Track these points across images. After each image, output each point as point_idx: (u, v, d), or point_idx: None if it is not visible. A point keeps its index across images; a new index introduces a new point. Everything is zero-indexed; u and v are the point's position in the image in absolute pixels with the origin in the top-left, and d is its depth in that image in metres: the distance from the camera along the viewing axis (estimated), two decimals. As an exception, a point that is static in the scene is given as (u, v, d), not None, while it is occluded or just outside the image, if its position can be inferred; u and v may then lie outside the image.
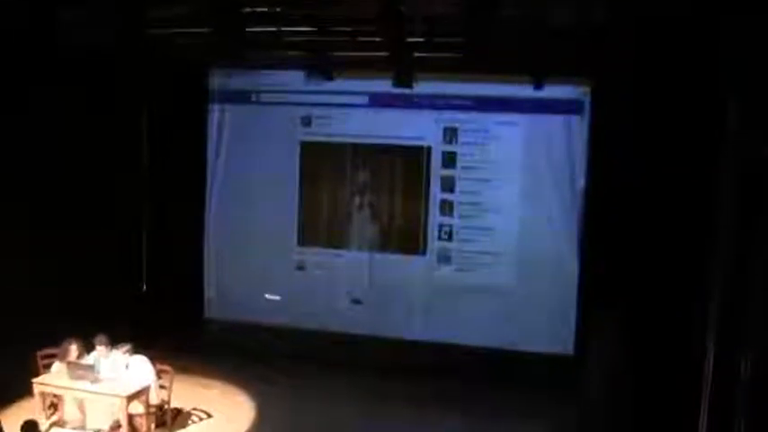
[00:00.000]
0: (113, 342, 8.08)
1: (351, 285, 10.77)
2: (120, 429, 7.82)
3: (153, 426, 8.10)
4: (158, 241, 10.98)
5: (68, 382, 7.87)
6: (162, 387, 8.18)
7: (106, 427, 7.94)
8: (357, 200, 10.85)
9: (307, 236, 10.99)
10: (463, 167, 10.50)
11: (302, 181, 10.91)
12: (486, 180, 10.44)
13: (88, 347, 8.11)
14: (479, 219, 10.47)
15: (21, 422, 6.61)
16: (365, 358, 10.18)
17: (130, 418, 7.89)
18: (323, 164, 10.87)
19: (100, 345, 8.02)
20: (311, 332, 10.64)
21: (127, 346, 8.06)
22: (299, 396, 9.28)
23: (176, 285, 10.86)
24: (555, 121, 10.12)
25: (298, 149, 10.88)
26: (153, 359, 8.11)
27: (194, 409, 8.70)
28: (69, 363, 7.93)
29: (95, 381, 7.83)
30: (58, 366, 8.10)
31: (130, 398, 7.79)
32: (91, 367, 7.93)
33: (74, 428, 8.05)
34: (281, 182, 10.90)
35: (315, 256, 10.96)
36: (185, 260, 11.03)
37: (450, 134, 10.54)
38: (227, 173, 11.13)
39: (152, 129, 10.84)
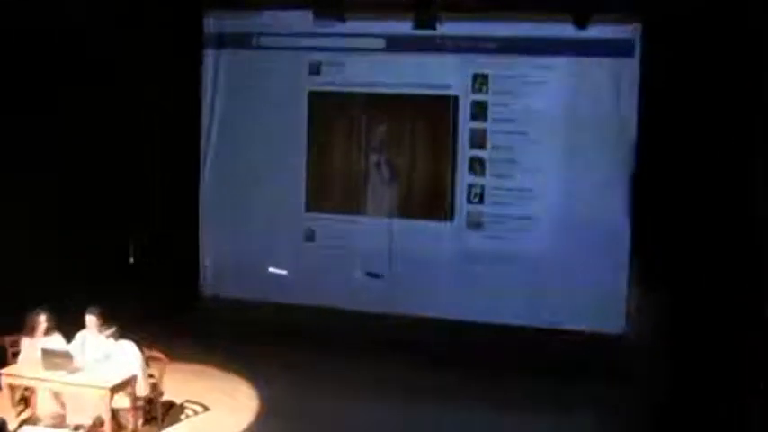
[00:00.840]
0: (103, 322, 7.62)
1: (367, 257, 10.36)
2: (104, 426, 7.30)
3: (141, 421, 7.62)
4: (147, 208, 10.56)
5: (43, 373, 7.35)
6: (151, 376, 7.74)
7: (87, 422, 7.45)
8: (374, 158, 10.40)
9: (316, 201, 10.56)
10: (495, 120, 10.00)
11: (310, 137, 10.47)
12: (522, 134, 9.94)
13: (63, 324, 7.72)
14: (514, 178, 9.98)
15: None
16: (383, 339, 9.74)
17: (115, 412, 7.41)
18: (334, 117, 10.43)
19: (91, 319, 7.55)
20: (322, 310, 10.22)
21: (112, 329, 7.59)
22: (309, 384, 8.80)
23: (168, 259, 10.48)
24: (601, 66, 9.61)
25: (305, 101, 10.43)
26: (141, 344, 7.68)
27: (189, 401, 8.26)
28: (44, 351, 7.42)
29: (74, 370, 7.34)
30: (26, 345, 7.64)
31: (115, 389, 7.28)
32: (68, 354, 7.43)
33: (49, 425, 7.56)
34: (286, 139, 10.48)
35: (325, 223, 10.54)
36: (177, 229, 10.63)
37: (480, 82, 10.04)
38: (224, 129, 10.69)
39: (143, 81, 10.39)
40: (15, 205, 8.74)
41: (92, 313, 7.64)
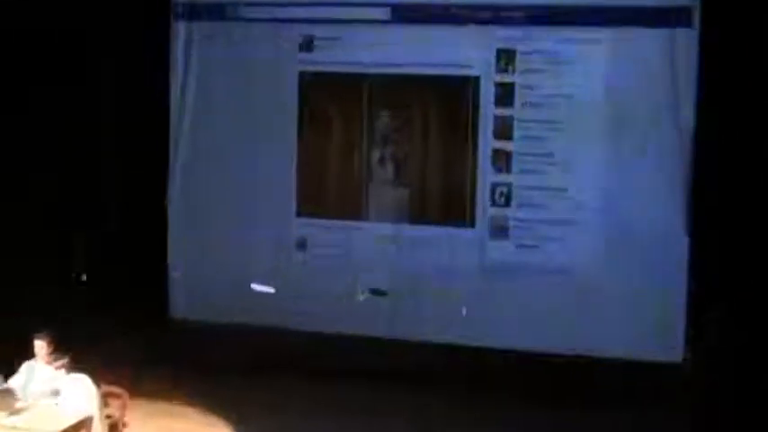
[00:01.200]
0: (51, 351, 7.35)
1: (370, 270, 10.05)
2: None
3: None
4: (104, 210, 10.40)
5: None
6: (109, 417, 7.43)
7: None
8: (378, 153, 10.10)
9: (308, 203, 10.25)
10: (524, 105, 9.69)
11: (301, 128, 10.18)
12: (557, 122, 9.60)
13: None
14: (548, 176, 9.67)
15: None
16: (389, 369, 9.48)
17: None
18: (329, 103, 10.13)
19: (40, 345, 7.29)
20: (315, 335, 9.91)
21: (63, 360, 7.35)
22: (297, 425, 8.59)
23: (128, 272, 10.21)
24: (652, 39, 9.26)
25: (295, 84, 10.13)
26: (97, 378, 7.37)
27: None
28: None
29: (17, 411, 7.00)
30: None
31: None
32: (9, 392, 7.10)
33: None
34: (273, 129, 10.18)
35: (320, 230, 10.22)
36: (141, 236, 10.35)
37: (506, 59, 9.71)
38: (197, 118, 10.39)
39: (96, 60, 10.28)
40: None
41: (40, 339, 7.38)
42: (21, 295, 8.99)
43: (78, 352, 7.57)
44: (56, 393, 7.28)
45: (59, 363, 7.32)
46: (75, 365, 7.42)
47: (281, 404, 8.92)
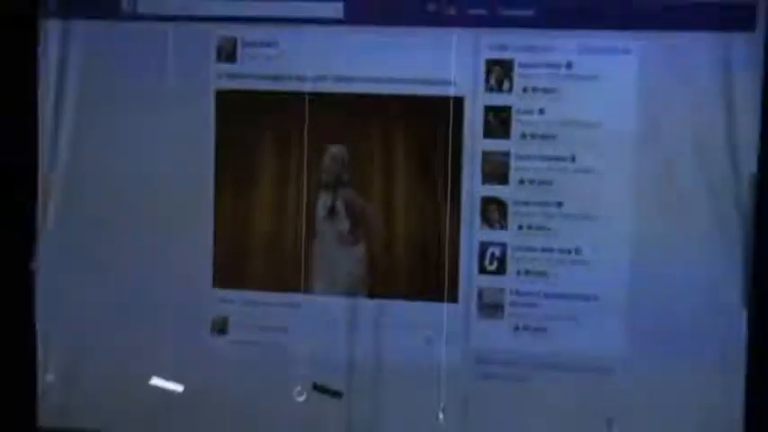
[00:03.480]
0: None
1: (316, 362, 8.47)
2: None
3: None
4: None
5: None
6: None
7: None
8: (325, 199, 8.48)
9: (230, 270, 8.61)
10: (525, 136, 8.13)
11: (219, 166, 8.53)
12: (570, 160, 8.11)
13: None
14: (557, 233, 8.13)
15: None
16: None
17: None
18: (258, 133, 8.52)
19: None
20: None
21: None
22: None
23: None
24: (701, 46, 7.84)
25: (210, 106, 8.51)
26: None
27: None
28: None
29: None
30: None
31: None
32: None
33: None
34: (180, 167, 8.59)
35: (246, 306, 8.58)
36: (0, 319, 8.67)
37: (500, 73, 8.13)
38: (75, 151, 8.74)
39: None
40: None
41: None
42: None
43: None
44: None
45: None
46: None
47: None
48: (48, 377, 8.99)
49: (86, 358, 8.88)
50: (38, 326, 8.95)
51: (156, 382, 8.69)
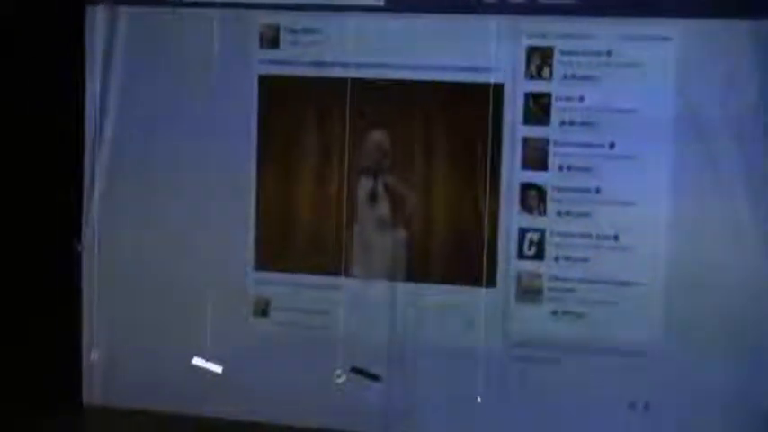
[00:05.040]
0: None
1: (355, 345, 8.76)
2: None
3: None
4: None
5: None
6: None
7: None
8: (366, 185, 8.75)
9: (272, 254, 8.91)
10: (564, 123, 8.35)
11: (262, 151, 8.84)
12: (608, 145, 8.31)
13: None
14: (595, 219, 8.32)
15: None
16: None
17: None
18: (301, 118, 8.80)
19: None
20: (283, 428, 8.82)
21: None
22: None
23: (28, 347, 9.13)
24: (738, 34, 7.98)
25: (253, 91, 8.82)
26: None
27: None
28: None
29: None
30: None
31: None
32: None
33: None
34: (223, 152, 8.88)
35: (287, 289, 8.89)
36: (46, 299, 9.15)
37: (540, 60, 8.37)
38: (121, 140, 9.11)
39: None
40: None
41: None
42: None
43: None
44: None
45: None
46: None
47: None
48: (92, 356, 9.29)
49: (129, 338, 9.19)
50: (82, 306, 9.27)
51: (198, 362, 8.94)
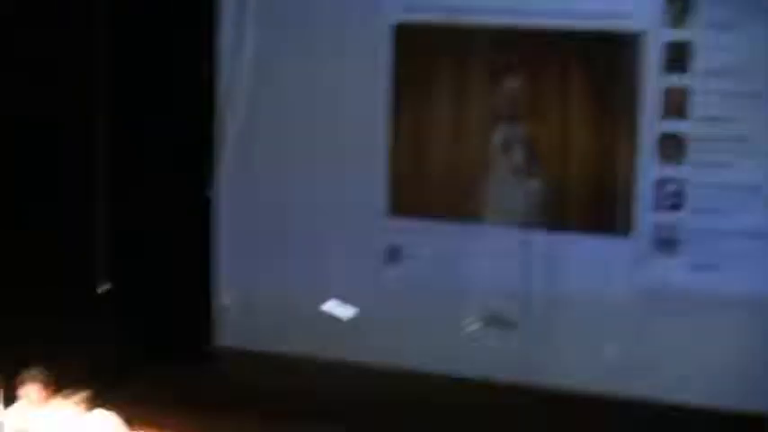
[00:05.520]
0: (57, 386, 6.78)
1: (489, 292, 8.82)
2: None
3: None
4: (130, 208, 9.43)
5: None
6: None
7: None
8: (501, 133, 8.79)
9: (405, 198, 9.04)
10: (706, 72, 8.26)
11: (396, 98, 8.94)
12: (754, 95, 8.16)
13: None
14: (737, 169, 8.23)
15: None
16: (516, 425, 8.45)
17: None
18: (436, 65, 8.87)
19: (28, 389, 6.64)
20: (411, 376, 8.89)
21: (81, 395, 6.58)
22: None
23: (164, 286, 9.35)
24: None
25: (387, 38, 8.94)
26: (125, 419, 6.78)
27: None
28: None
29: None
30: None
31: None
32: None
33: None
34: (357, 99, 9.00)
35: (420, 235, 8.99)
36: (179, 244, 9.40)
37: (681, 7, 8.28)
38: (254, 83, 9.30)
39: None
40: None
41: (31, 379, 6.65)
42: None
43: (104, 386, 7.06)
44: None
45: (77, 397, 6.57)
46: (99, 402, 6.69)
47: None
48: (223, 300, 9.48)
49: (260, 282, 9.35)
50: (214, 251, 9.49)
51: (328, 307, 9.06)
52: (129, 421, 6.83)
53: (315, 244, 9.19)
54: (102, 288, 9.61)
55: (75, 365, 7.47)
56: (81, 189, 9.68)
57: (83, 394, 6.66)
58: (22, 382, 6.74)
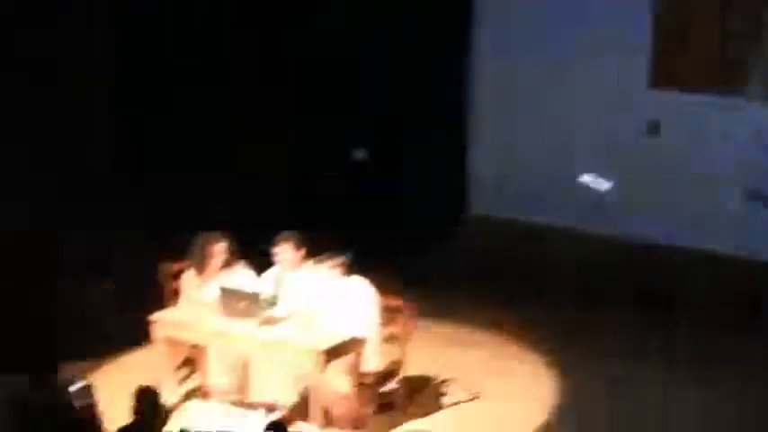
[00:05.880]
0: (311, 249, 6.82)
1: (747, 166, 8.51)
2: (308, 413, 6.33)
3: (370, 409, 6.66)
4: (382, 81, 9.41)
5: (219, 324, 6.62)
6: (392, 339, 6.83)
7: (283, 402, 6.56)
8: None
9: (668, 69, 8.70)
10: None
11: None
12: None
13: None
14: None
15: (133, 389, 5.35)
16: None
17: (326, 393, 6.36)
18: None
19: (283, 250, 6.74)
20: (667, 250, 8.61)
21: (338, 259, 6.56)
22: (628, 363, 7.61)
23: (414, 153, 9.41)
24: None
25: None
26: (378, 287, 6.74)
27: (445, 380, 7.39)
28: (224, 291, 6.53)
29: (268, 321, 6.55)
30: (194, 282, 6.85)
31: (329, 355, 6.26)
32: (258, 298, 6.51)
33: (226, 403, 6.73)
34: None
35: (681, 108, 8.66)
36: (437, 115, 9.38)
37: None
38: None
39: None
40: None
41: (286, 241, 6.78)
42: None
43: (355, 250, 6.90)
44: (320, 301, 6.62)
45: (333, 261, 6.58)
46: (353, 268, 6.67)
47: (609, 333, 7.94)
48: (478, 168, 9.58)
49: (517, 152, 9.37)
50: (470, 119, 9.57)
51: (586, 179, 9.02)
52: (381, 288, 6.70)
53: (572, 114, 9.05)
54: (359, 157, 9.75)
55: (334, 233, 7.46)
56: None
57: (339, 258, 6.61)
58: (278, 244, 6.78)
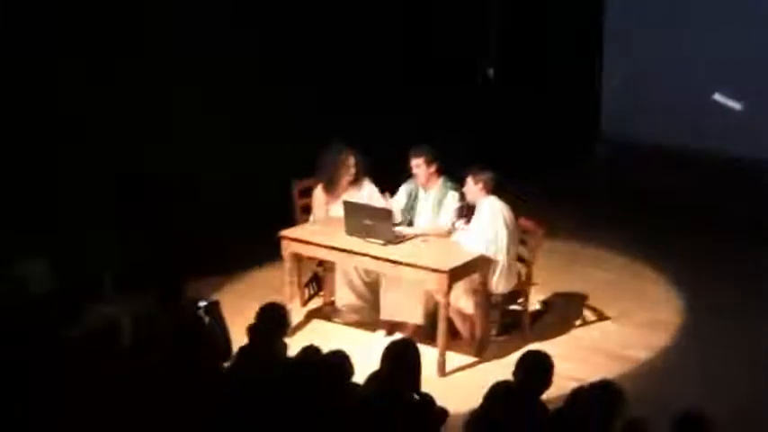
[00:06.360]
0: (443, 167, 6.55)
1: None
2: (436, 333, 6.09)
3: (494, 331, 6.52)
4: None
5: (346, 242, 6.36)
6: (519, 261, 6.52)
7: (410, 322, 6.36)
8: None
9: None
10: None
11: None
12: None
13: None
14: None
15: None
16: None
17: (452, 313, 6.18)
18: None
19: (416, 165, 6.47)
20: None
21: (483, 175, 6.24)
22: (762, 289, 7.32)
23: (537, 79, 9.24)
24: None
25: None
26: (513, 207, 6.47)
27: (573, 301, 7.18)
28: (349, 206, 6.32)
29: (395, 240, 6.29)
30: (323, 199, 6.65)
31: (456, 275, 6.03)
32: (387, 214, 6.28)
33: (352, 322, 6.61)
34: None
35: None
36: (568, 40, 9.27)
37: None
38: None
39: None
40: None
41: (418, 156, 6.49)
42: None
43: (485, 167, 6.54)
44: (450, 219, 6.43)
45: (481, 177, 6.24)
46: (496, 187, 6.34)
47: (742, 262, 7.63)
48: (612, 87, 9.45)
49: (649, 74, 9.19)
50: (605, 40, 9.46)
51: (719, 98, 8.85)
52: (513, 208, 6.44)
53: (709, 35, 8.81)
54: (486, 74, 9.58)
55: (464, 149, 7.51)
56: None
57: (484, 175, 6.30)
58: (411, 158, 6.50)
